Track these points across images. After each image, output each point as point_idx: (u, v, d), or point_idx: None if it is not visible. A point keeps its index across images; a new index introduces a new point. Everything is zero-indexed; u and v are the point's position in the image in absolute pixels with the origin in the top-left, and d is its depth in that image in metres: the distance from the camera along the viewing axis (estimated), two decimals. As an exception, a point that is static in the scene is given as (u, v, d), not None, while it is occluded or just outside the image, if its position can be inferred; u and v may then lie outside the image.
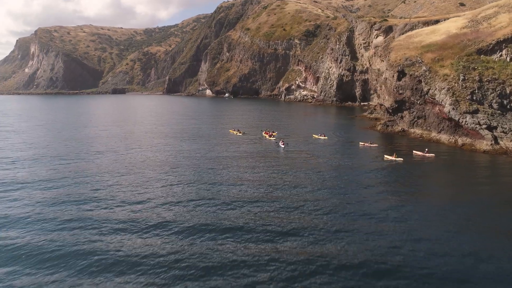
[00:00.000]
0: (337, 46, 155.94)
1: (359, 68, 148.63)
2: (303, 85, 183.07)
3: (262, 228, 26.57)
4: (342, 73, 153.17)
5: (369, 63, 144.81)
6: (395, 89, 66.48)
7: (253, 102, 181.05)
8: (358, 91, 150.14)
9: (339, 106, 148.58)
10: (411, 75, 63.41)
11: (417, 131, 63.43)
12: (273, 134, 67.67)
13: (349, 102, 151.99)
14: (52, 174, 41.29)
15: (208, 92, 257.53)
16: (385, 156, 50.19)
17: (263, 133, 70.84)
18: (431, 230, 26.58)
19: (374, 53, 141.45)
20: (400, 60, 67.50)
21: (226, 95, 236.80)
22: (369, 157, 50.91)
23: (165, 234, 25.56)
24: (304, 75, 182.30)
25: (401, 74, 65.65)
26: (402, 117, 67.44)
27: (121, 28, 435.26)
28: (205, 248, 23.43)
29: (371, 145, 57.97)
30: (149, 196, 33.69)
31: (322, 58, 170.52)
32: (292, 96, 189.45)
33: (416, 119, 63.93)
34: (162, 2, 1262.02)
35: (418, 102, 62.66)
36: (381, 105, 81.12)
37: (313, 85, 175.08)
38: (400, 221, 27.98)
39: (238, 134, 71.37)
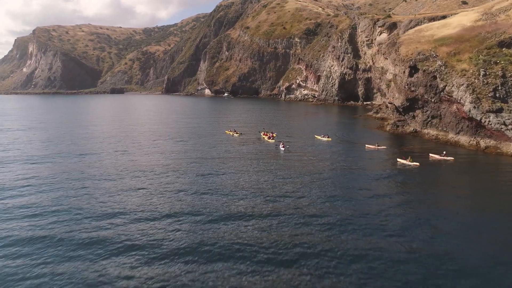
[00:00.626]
0: (339, 43, 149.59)
1: (361, 66, 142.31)
2: (304, 84, 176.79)
3: (261, 249, 20.58)
4: (344, 72, 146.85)
5: (372, 61, 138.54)
6: (406, 86, 60.16)
7: (252, 102, 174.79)
8: (360, 90, 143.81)
9: (341, 105, 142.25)
10: (424, 71, 57.10)
11: (431, 132, 57.10)
12: (273, 135, 61.45)
13: (352, 102, 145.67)
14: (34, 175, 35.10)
15: (207, 91, 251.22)
16: (398, 159, 44.03)
17: (261, 134, 64.81)
18: (455, 245, 22.21)
19: (378, 50, 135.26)
20: (411, 54, 61.19)
21: (225, 94, 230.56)
22: (380, 161, 44.78)
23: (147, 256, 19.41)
24: (304, 74, 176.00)
25: (413, 70, 59.36)
26: (414, 117, 61.13)
27: (120, 27, 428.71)
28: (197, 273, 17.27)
29: (378, 147, 51.83)
30: (125, 206, 27.61)
31: (323, 56, 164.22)
32: (292, 96, 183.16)
33: (430, 118, 57.60)
34: (162, 1, 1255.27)
35: (433, 100, 56.33)
36: (389, 103, 74.77)
37: (314, 84, 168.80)
38: (421, 238, 23.05)
39: (234, 135, 65.26)
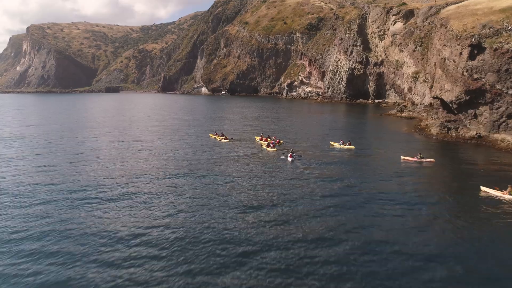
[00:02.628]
0: (347, 35, 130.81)
1: (372, 60, 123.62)
2: (307, 81, 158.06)
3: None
4: (352, 66, 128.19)
5: (385, 54, 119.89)
6: (466, 73, 41.56)
7: (251, 100, 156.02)
8: (371, 87, 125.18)
9: (349, 103, 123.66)
10: (495, 50, 38.56)
11: (508, 137, 38.51)
12: (279, 142, 43.62)
13: (361, 99, 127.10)
14: None
15: (204, 90, 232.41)
16: (483, 188, 25.65)
17: (258, 139, 47.06)
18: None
19: (392, 42, 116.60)
20: (472, 29, 42.51)
21: (223, 92, 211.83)
22: (436, 186, 26.80)
23: None
24: (308, 70, 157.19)
25: (475, 50, 40.70)
26: (475, 116, 42.72)
27: (117, 25, 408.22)
28: None
29: (422, 160, 34.34)
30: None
31: (328, 50, 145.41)
32: (294, 93, 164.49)
33: (505, 118, 39.06)
34: (161, 0, 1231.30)
35: (510, 92, 37.74)
36: (434, 98, 56.00)
37: (318, 80, 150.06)
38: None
39: (222, 140, 47.49)
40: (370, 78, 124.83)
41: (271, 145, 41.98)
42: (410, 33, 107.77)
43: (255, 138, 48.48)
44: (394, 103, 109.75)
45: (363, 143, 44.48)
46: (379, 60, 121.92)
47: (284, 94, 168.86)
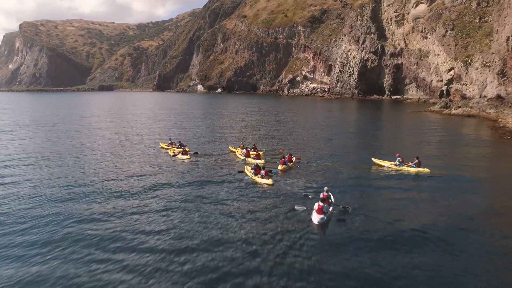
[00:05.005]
0: (359, 22, 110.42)
1: (389, 50, 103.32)
2: (311, 76, 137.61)
3: None
4: (365, 57, 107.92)
5: (405, 42, 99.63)
6: None
7: (249, 98, 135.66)
8: (387, 81, 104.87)
9: (362, 100, 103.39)
10: None
11: None
12: (292, 158, 24.32)
13: (375, 95, 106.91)
14: None
15: (200, 87, 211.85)
16: None
17: (238, 151, 27.74)
18: None
19: (413, 28, 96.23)
20: None
21: (219, 90, 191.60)
22: None
23: None
24: (312, 64, 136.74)
25: None
26: None
27: (113, 23, 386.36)
28: None
29: None
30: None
31: (335, 41, 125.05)
32: (297, 90, 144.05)
33: None
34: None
35: None
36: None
37: (324, 75, 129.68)
38: None
39: (178, 156, 26.78)
40: (386, 70, 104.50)
41: (253, 156, 25.37)
42: (438, 15, 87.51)
43: (230, 150, 29.09)
44: (419, 99, 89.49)
45: (440, 163, 23.96)
46: (396, 50, 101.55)
47: (286, 91, 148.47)
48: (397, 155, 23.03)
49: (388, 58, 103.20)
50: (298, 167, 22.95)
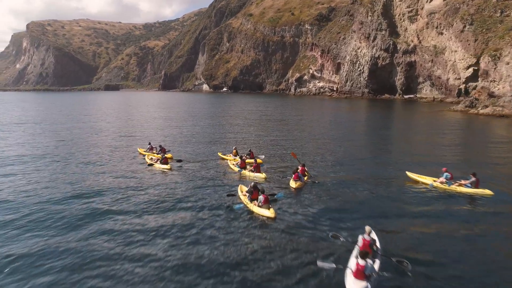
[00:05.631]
0: (369, 18, 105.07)
1: (401, 47, 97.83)
2: (319, 75, 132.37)
3: None
4: (376, 55, 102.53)
5: (418, 38, 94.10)
6: None
7: (255, 97, 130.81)
8: (399, 79, 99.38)
9: (373, 99, 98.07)
10: None
11: None
12: (306, 172, 18.10)
13: (386, 95, 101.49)
14: None
15: (205, 87, 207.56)
16: None
17: (229, 159, 22.57)
18: None
19: (427, 23, 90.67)
20: None
21: (224, 89, 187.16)
22: None
23: None
24: (320, 62, 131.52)
25: None
26: None
27: (120, 22, 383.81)
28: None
29: None
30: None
31: (344, 39, 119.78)
32: (304, 89, 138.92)
33: None
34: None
35: None
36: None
37: (332, 74, 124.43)
38: None
39: (158, 166, 21.09)
40: (398, 68, 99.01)
41: (249, 167, 19.56)
42: (455, 10, 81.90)
43: (220, 157, 23.83)
44: (434, 99, 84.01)
45: (502, 180, 17.98)
46: (409, 47, 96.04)
47: (293, 90, 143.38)
48: (444, 169, 17.08)
49: (401, 55, 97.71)
50: (313, 183, 17.30)
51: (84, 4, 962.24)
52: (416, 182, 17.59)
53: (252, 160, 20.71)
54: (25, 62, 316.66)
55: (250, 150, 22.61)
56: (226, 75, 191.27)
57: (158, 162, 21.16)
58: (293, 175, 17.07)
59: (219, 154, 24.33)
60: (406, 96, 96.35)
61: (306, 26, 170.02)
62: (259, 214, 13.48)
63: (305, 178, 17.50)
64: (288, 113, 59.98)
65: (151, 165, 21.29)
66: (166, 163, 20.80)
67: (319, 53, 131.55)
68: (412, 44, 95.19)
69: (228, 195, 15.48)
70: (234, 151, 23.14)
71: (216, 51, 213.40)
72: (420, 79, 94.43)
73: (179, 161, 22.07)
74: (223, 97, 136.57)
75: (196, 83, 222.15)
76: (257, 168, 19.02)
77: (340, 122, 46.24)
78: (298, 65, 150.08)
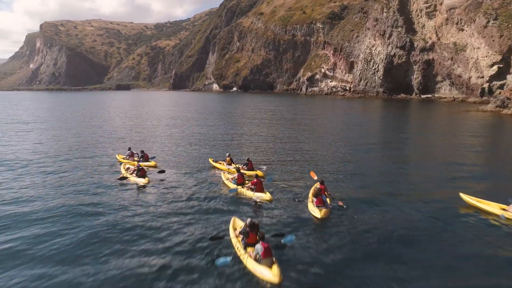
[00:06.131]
0: (385, 14, 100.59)
1: (419, 45, 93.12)
2: (331, 74, 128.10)
3: None
4: (391, 53, 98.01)
5: (437, 35, 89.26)
6: None
7: (265, 97, 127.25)
8: (416, 78, 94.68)
9: (388, 99, 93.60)
10: None
11: None
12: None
13: (402, 94, 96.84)
14: None
15: (215, 86, 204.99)
16: None
17: (223, 170, 18.30)
18: None
19: (447, 19, 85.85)
20: None
21: (234, 89, 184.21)
22: None
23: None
24: (332, 61, 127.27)
25: None
26: None
27: (131, 23, 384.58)
28: None
29: None
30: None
31: (358, 36, 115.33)
32: (316, 88, 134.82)
33: None
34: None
35: None
36: None
37: (345, 73, 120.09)
38: None
39: (133, 180, 16.67)
40: (415, 67, 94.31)
41: (243, 180, 15.22)
42: (477, 4, 77.09)
43: (212, 165, 19.79)
44: (454, 98, 79.30)
45: None
46: (427, 44, 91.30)
47: (304, 89, 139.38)
48: None
49: (418, 53, 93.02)
50: (340, 208, 12.80)
51: (98, 5, 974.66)
52: (476, 209, 13.08)
53: (252, 173, 16.75)
54: (38, 62, 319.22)
55: (248, 159, 18.42)
56: (236, 75, 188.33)
57: (134, 173, 16.87)
58: (315, 199, 12.49)
59: (210, 160, 20.34)
60: (423, 96, 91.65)
61: (318, 25, 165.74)
62: (255, 275, 8.74)
63: (328, 200, 12.90)
64: (299, 113, 56.29)
65: (123, 178, 16.78)
66: (144, 176, 16.55)
67: (332, 51, 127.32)
68: (430, 41, 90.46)
69: (212, 239, 10.55)
70: (228, 158, 19.08)
71: (226, 50, 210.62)
72: (439, 78, 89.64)
73: (162, 171, 17.87)
74: (232, 96, 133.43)
75: (206, 83, 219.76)
76: (258, 185, 14.27)
77: (357, 123, 42.20)
78: (309, 64, 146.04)
